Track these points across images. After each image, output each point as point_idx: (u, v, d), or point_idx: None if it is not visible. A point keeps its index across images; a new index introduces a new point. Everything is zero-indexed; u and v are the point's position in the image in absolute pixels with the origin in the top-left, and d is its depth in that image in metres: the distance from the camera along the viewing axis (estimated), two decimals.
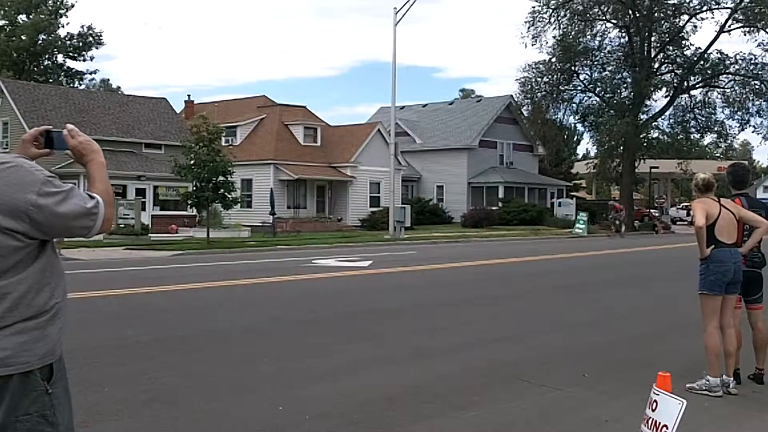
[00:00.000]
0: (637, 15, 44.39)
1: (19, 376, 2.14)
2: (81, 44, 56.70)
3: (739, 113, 45.60)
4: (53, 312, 2.23)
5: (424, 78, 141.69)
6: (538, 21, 45.16)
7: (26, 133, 2.43)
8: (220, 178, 24.93)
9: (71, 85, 55.54)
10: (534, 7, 45.02)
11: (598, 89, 47.37)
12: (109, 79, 71.28)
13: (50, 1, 54.86)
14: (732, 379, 5.92)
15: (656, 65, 46.59)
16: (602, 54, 47.04)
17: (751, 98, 44.90)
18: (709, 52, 45.27)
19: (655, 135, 48.67)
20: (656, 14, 44.64)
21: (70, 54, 57.12)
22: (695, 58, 45.48)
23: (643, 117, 46.73)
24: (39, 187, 2.14)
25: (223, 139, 30.77)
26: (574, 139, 65.10)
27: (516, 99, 48.96)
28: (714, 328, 5.85)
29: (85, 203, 2.21)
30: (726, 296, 5.93)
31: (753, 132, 56.46)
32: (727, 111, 46.11)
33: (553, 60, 45.99)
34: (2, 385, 2.13)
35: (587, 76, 47.69)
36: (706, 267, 5.87)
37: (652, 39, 45.64)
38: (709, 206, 5.83)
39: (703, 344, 5.90)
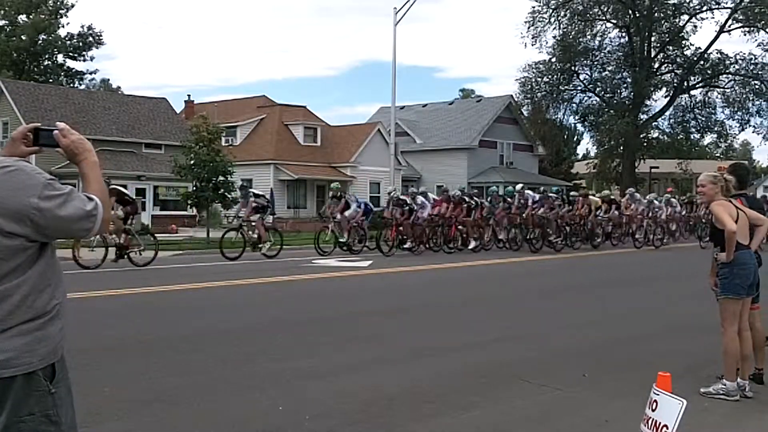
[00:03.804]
0: (637, 15, 44.45)
1: (23, 377, 2.16)
2: (81, 44, 56.70)
3: (739, 113, 45.76)
4: (54, 313, 2.24)
5: (424, 78, 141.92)
6: (538, 21, 45.30)
7: (15, 131, 2.43)
8: (220, 178, 24.93)
9: (71, 85, 55.52)
10: (534, 7, 45.18)
11: (598, 89, 47.44)
12: (109, 79, 71.42)
13: (50, 1, 54.85)
14: (747, 382, 5.87)
15: (656, 65, 46.67)
16: (602, 54, 47.15)
17: (751, 98, 45.03)
18: (709, 52, 45.39)
19: (655, 135, 48.83)
20: (656, 14, 44.72)
21: (70, 54, 57.12)
22: (695, 58, 45.54)
23: (643, 117, 46.82)
24: (40, 190, 2.15)
25: (223, 139, 30.79)
26: (574, 139, 65.15)
27: (516, 99, 49.01)
28: (735, 332, 5.76)
29: (85, 206, 2.23)
30: (744, 299, 5.86)
31: (753, 132, 56.51)
32: (727, 111, 46.31)
33: (553, 60, 46.09)
34: (5, 386, 2.14)
35: (587, 76, 47.81)
36: (729, 271, 5.75)
37: (652, 39, 45.72)
38: (729, 208, 5.73)
39: (723, 348, 5.81)
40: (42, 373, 2.20)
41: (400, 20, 30.84)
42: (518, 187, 23.70)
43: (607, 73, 47.28)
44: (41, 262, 2.22)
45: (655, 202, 25.58)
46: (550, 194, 23.07)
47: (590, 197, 24.80)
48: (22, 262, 2.17)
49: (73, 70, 58.53)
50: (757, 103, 45.14)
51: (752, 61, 44.21)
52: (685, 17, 45.06)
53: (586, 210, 23.46)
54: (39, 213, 2.14)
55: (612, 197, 25.67)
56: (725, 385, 5.75)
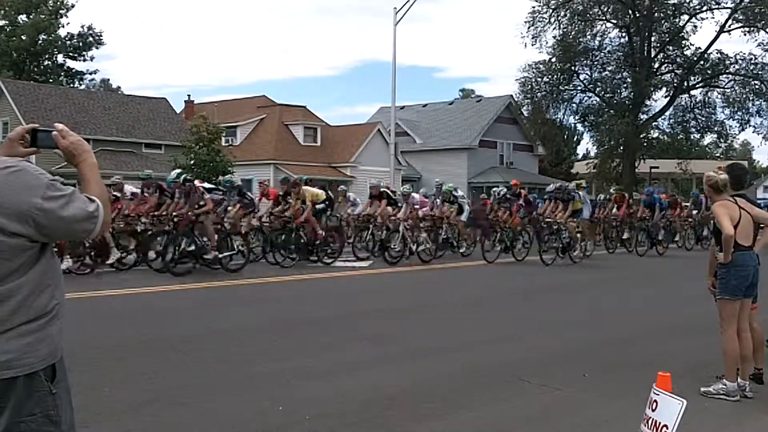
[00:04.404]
0: (637, 15, 44.41)
1: (24, 378, 2.17)
2: (81, 44, 56.73)
3: (739, 113, 45.69)
4: (54, 313, 2.25)
5: (424, 78, 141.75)
6: (538, 21, 45.23)
7: (12, 132, 2.42)
8: (220, 177, 25.00)
9: (71, 85, 55.53)
10: (534, 7, 45.11)
11: (598, 89, 47.40)
12: (109, 79, 71.20)
13: (50, 1, 54.86)
14: (748, 382, 5.87)
15: (656, 65, 46.63)
16: (602, 54, 47.09)
17: (751, 98, 44.97)
18: (709, 52, 45.33)
19: (655, 135, 48.77)
20: (656, 14, 44.68)
21: (70, 54, 57.14)
22: (695, 58, 45.50)
23: (643, 117, 46.77)
24: (43, 191, 2.16)
25: (223, 139, 30.87)
26: (574, 139, 65.10)
27: (516, 99, 48.99)
28: (734, 333, 5.74)
29: (87, 207, 2.23)
30: (743, 300, 5.84)
31: (753, 132, 56.46)
32: (727, 111, 46.23)
33: (553, 60, 46.04)
34: (7, 387, 2.15)
35: (587, 76, 47.75)
36: (727, 272, 5.72)
37: (652, 39, 45.67)
38: (731, 209, 5.66)
39: (722, 349, 5.80)
40: (43, 374, 2.21)
41: (400, 20, 30.87)
42: (232, 177, 16.27)
43: (607, 73, 47.25)
44: (42, 263, 2.23)
45: (414, 196, 17.90)
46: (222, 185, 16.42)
47: (307, 189, 16.04)
48: (23, 262, 2.17)
49: (73, 70, 58.60)
50: (757, 103, 45.08)
51: (752, 61, 44.17)
52: (685, 17, 45.02)
53: (298, 210, 15.59)
54: (42, 213, 2.14)
55: (383, 189, 18.17)
56: (725, 385, 5.75)
